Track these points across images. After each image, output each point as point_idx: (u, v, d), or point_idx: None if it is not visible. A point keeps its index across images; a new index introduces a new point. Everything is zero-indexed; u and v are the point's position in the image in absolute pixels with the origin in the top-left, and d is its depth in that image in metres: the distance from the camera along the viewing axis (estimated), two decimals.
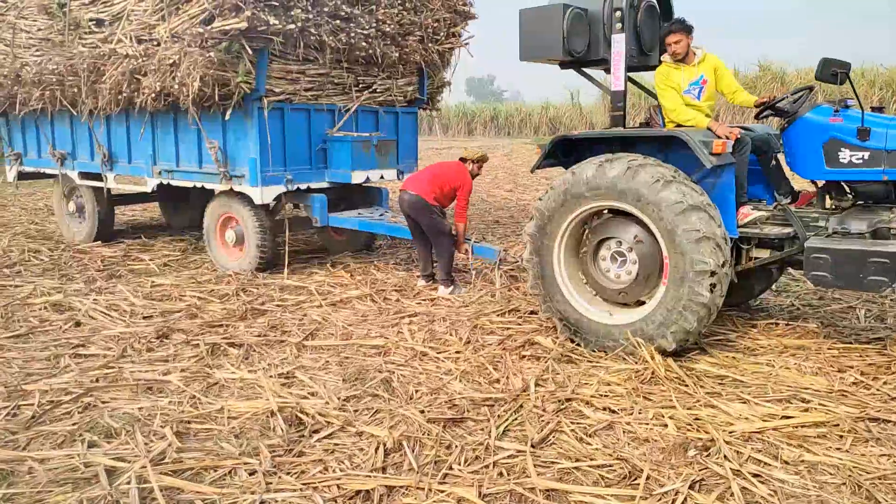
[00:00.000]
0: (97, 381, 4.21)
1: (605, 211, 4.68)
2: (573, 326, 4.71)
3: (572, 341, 4.74)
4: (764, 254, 4.63)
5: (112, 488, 2.97)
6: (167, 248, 8.42)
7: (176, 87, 5.99)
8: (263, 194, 6.46)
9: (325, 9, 6.25)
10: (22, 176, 9.33)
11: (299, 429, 3.56)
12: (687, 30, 4.77)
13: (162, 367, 4.45)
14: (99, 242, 8.50)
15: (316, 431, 3.54)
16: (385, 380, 4.19)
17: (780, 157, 4.92)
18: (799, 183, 5.39)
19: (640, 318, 4.45)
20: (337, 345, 4.88)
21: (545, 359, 4.50)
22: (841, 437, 3.43)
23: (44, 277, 6.85)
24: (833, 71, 4.16)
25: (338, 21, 6.40)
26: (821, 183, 4.70)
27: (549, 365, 4.37)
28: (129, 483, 2.99)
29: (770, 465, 3.18)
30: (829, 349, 4.63)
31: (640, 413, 3.71)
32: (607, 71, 5.07)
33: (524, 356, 4.60)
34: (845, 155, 4.29)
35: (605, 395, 3.94)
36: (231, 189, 6.73)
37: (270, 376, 4.24)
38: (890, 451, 3.27)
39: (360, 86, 7.14)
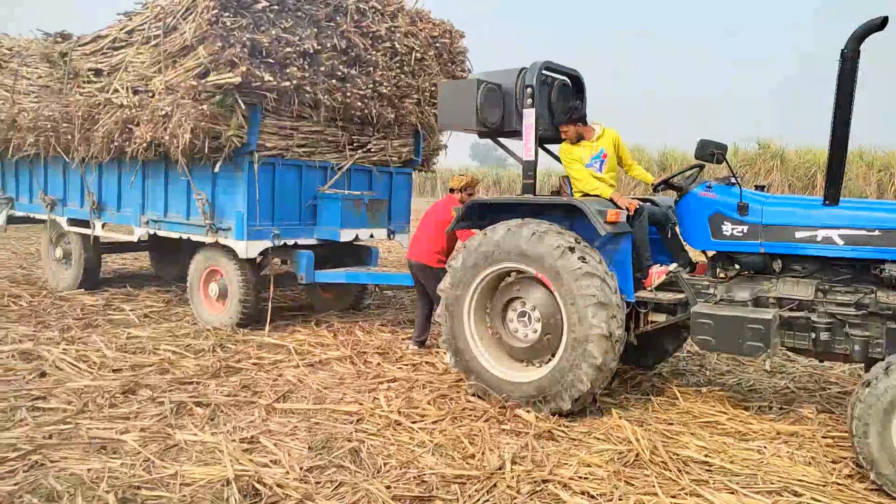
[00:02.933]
0: (50, 437, 3.99)
1: (513, 273, 4.92)
2: (482, 382, 4.86)
3: (480, 397, 4.88)
4: (660, 318, 4.83)
5: None
6: (151, 298, 8.26)
7: (167, 137, 5.96)
8: (249, 248, 6.36)
9: (322, 68, 6.29)
10: (12, 220, 9.27)
11: (254, 500, 3.33)
12: (573, 121, 5.10)
13: (121, 424, 4.22)
14: (82, 290, 8.34)
15: None
16: (353, 450, 3.96)
17: (677, 228, 5.10)
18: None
19: (540, 376, 4.60)
20: (308, 409, 4.66)
21: (525, 433, 4.27)
22: None
23: (19, 324, 6.67)
24: (711, 151, 4.41)
25: (334, 80, 6.43)
26: (710, 253, 4.90)
27: (529, 441, 4.14)
28: None
29: None
30: (823, 437, 4.41)
31: (620, 500, 3.46)
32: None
33: (504, 430, 4.37)
34: (728, 228, 4.55)
35: (585, 478, 3.70)
36: (217, 242, 6.62)
37: (233, 440, 4.01)
38: None
39: (355, 144, 7.14)
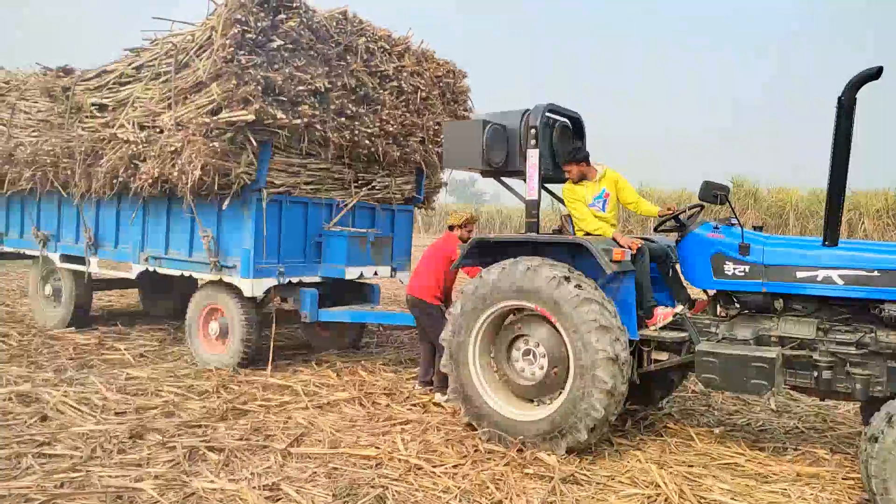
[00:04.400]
0: (62, 485, 3.83)
1: (514, 313, 4.96)
2: (495, 427, 4.80)
3: (471, 426, 4.95)
4: (663, 356, 4.87)
5: None
6: (144, 337, 8.07)
7: (175, 174, 5.89)
8: (255, 287, 6.26)
9: (332, 106, 6.31)
10: (1, 256, 9.05)
11: None
12: (576, 161, 5.18)
13: (134, 472, 4.07)
14: (73, 328, 8.12)
15: None
16: (379, 496, 3.87)
17: (678, 267, 5.18)
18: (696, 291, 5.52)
19: (553, 411, 4.59)
20: (325, 453, 4.54)
21: (549, 477, 4.21)
22: None
23: (11, 364, 6.45)
24: (714, 193, 4.52)
25: (343, 119, 6.45)
26: (711, 292, 4.96)
27: (556, 486, 4.08)
28: None
29: None
30: (843, 479, 4.41)
31: None
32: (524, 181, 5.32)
33: (527, 474, 4.30)
34: (729, 268, 4.64)
35: None
36: (220, 280, 6.51)
37: (253, 487, 3.88)
38: None
39: (360, 182, 7.14)
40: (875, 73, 3.90)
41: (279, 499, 3.81)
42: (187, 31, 6.14)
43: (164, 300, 9.31)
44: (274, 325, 6.86)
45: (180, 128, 5.91)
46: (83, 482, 3.89)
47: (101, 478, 3.95)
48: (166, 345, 7.68)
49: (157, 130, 6.22)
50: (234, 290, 6.51)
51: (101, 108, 6.84)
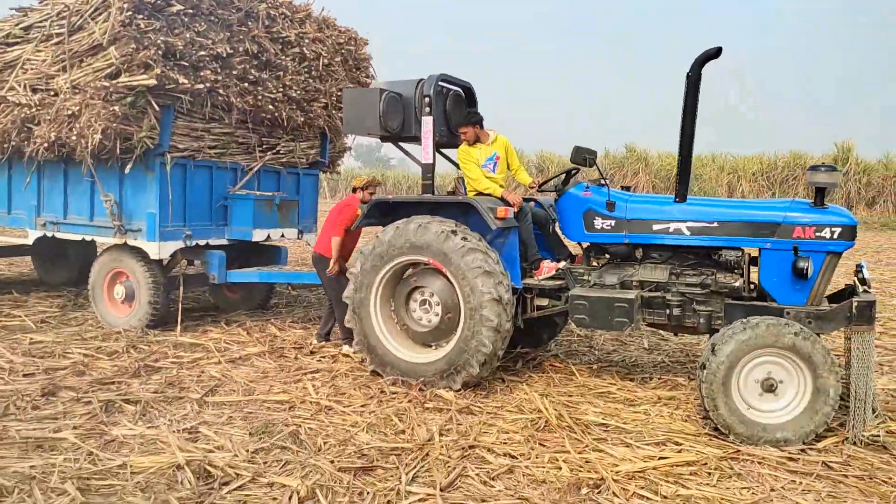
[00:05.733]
0: None
1: (411, 266, 5.42)
2: (398, 371, 5.30)
3: (377, 374, 5.42)
4: (544, 302, 5.50)
5: None
6: (42, 304, 7.94)
7: (74, 137, 5.87)
8: (161, 249, 6.37)
9: (234, 71, 6.43)
10: None
11: (208, 482, 3.55)
12: (471, 123, 5.64)
13: (51, 424, 4.25)
14: None
15: (226, 484, 3.54)
16: (292, 433, 4.25)
17: (557, 227, 5.77)
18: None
19: (448, 351, 5.13)
20: (239, 400, 4.86)
21: (447, 410, 4.73)
22: (709, 473, 3.89)
23: None
24: (584, 156, 5.08)
25: (246, 84, 6.58)
26: (585, 245, 5.56)
27: (452, 415, 4.60)
28: None
29: (651, 499, 3.55)
30: (695, 399, 5.19)
31: (537, 458, 4.00)
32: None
33: (427, 408, 4.80)
34: (598, 222, 5.24)
35: (505, 443, 4.22)
36: (125, 244, 6.56)
37: (174, 431, 4.16)
38: (750, 485, 3.75)
39: (264, 146, 7.30)
40: (715, 53, 4.55)
41: (198, 439, 4.12)
42: None
43: (60, 267, 9.11)
44: (182, 287, 6.99)
45: (77, 91, 5.88)
46: (1, 436, 4.03)
47: (18, 431, 4.10)
48: (68, 310, 7.62)
49: (52, 94, 6.14)
50: (140, 254, 6.58)
51: None
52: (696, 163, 27.34)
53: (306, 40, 7.23)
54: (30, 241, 7.17)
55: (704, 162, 27.80)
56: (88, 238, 6.85)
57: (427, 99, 5.42)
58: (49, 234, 7.03)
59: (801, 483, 3.78)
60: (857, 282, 4.80)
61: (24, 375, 5.23)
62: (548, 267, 5.51)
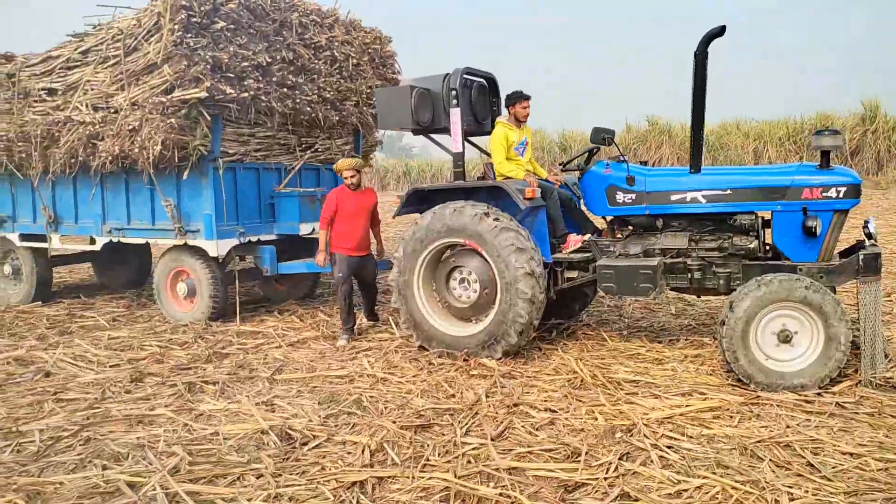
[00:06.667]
0: (88, 419, 4.57)
1: (449, 249, 5.83)
2: (443, 345, 5.75)
3: (424, 348, 5.89)
4: (574, 275, 5.87)
5: (139, 496, 3.42)
6: (109, 305, 8.62)
7: (136, 150, 6.47)
8: (219, 247, 6.96)
9: (274, 78, 6.96)
10: None
11: (290, 442, 4.10)
12: (529, 99, 6.02)
13: (146, 405, 4.85)
14: (38, 303, 8.59)
15: (305, 443, 4.09)
16: (356, 401, 4.79)
17: (581, 203, 6.16)
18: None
19: (488, 323, 5.56)
20: (304, 377, 5.42)
21: (491, 376, 5.22)
22: (731, 416, 4.33)
23: None
24: (602, 136, 5.45)
25: (285, 89, 7.11)
26: (608, 218, 5.95)
27: (496, 380, 5.10)
28: (154, 490, 3.45)
29: (678, 439, 4.01)
30: (719, 356, 5.59)
31: (575, 411, 4.48)
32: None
33: (473, 375, 5.31)
34: (620, 197, 5.62)
35: (546, 400, 4.71)
36: (184, 244, 7.17)
37: (255, 404, 4.73)
38: (767, 424, 4.18)
39: (304, 146, 7.84)
40: (719, 32, 4.91)
41: (275, 410, 4.68)
42: (132, 17, 6.62)
43: (120, 271, 9.79)
44: (237, 281, 7.59)
45: (136, 107, 6.46)
46: (105, 415, 4.64)
47: (119, 411, 4.71)
48: (134, 309, 8.29)
49: (112, 111, 6.74)
50: (198, 252, 7.18)
51: (51, 91, 7.25)
52: (721, 131, 27.21)
53: (336, 43, 7.72)
54: (98, 247, 7.82)
55: (729, 129, 27.60)
56: (151, 241, 7.46)
57: (454, 92, 5.83)
58: (115, 240, 7.67)
59: (815, 421, 4.20)
60: (864, 236, 5.16)
61: (111, 366, 5.86)
62: (574, 240, 5.94)
